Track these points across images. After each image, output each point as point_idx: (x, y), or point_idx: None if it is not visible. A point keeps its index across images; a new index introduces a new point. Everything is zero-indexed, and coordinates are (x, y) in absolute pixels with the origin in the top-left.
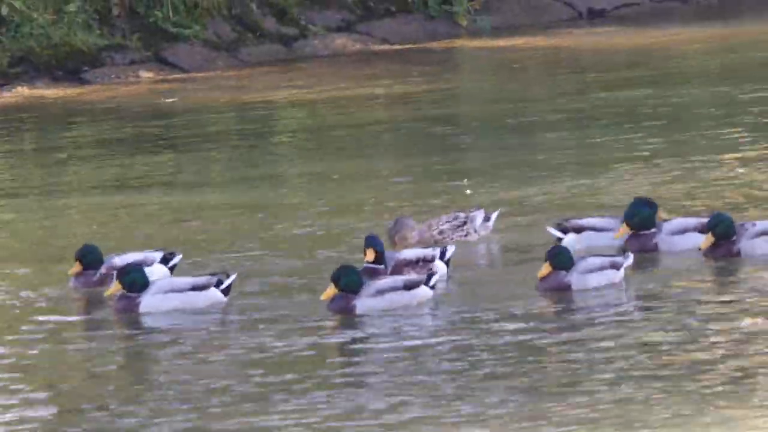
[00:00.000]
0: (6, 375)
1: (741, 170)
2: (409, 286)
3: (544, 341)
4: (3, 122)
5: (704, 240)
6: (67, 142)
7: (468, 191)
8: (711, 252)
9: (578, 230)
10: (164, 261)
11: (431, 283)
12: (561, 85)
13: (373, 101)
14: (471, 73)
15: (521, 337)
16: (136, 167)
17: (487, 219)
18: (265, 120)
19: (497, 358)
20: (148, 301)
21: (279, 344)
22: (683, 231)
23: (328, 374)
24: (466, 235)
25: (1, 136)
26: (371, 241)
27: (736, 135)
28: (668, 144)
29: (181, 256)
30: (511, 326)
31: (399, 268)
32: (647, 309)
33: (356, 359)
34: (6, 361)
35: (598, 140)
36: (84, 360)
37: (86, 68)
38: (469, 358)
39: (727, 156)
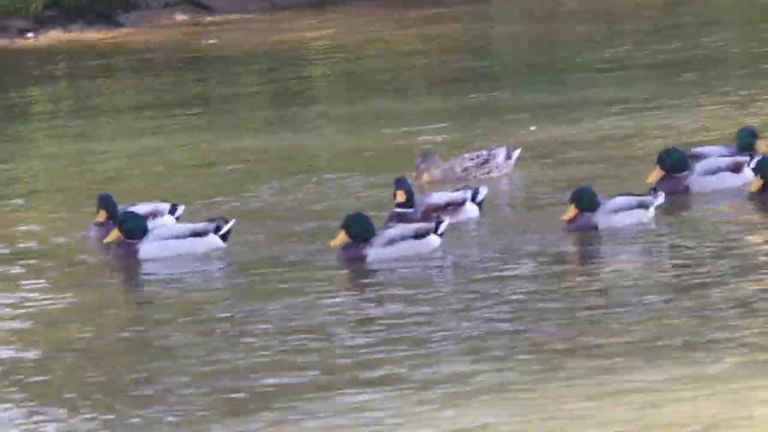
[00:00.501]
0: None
1: None
2: (420, 235)
3: (569, 286)
4: (38, 66)
5: (754, 182)
6: (101, 84)
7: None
8: (756, 195)
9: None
10: (171, 211)
11: (440, 230)
12: (596, 29)
13: (405, 44)
14: (505, 17)
15: (542, 285)
16: (168, 109)
17: (508, 157)
18: (299, 62)
19: (518, 304)
20: (147, 248)
21: (282, 287)
22: (715, 171)
23: (336, 319)
24: (489, 173)
25: (37, 79)
26: (401, 183)
27: None
28: (706, 85)
29: (184, 207)
30: (534, 270)
31: (429, 212)
32: (677, 250)
33: (366, 305)
34: (18, 311)
35: (634, 81)
36: (88, 306)
37: (120, 11)
38: (489, 304)
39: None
